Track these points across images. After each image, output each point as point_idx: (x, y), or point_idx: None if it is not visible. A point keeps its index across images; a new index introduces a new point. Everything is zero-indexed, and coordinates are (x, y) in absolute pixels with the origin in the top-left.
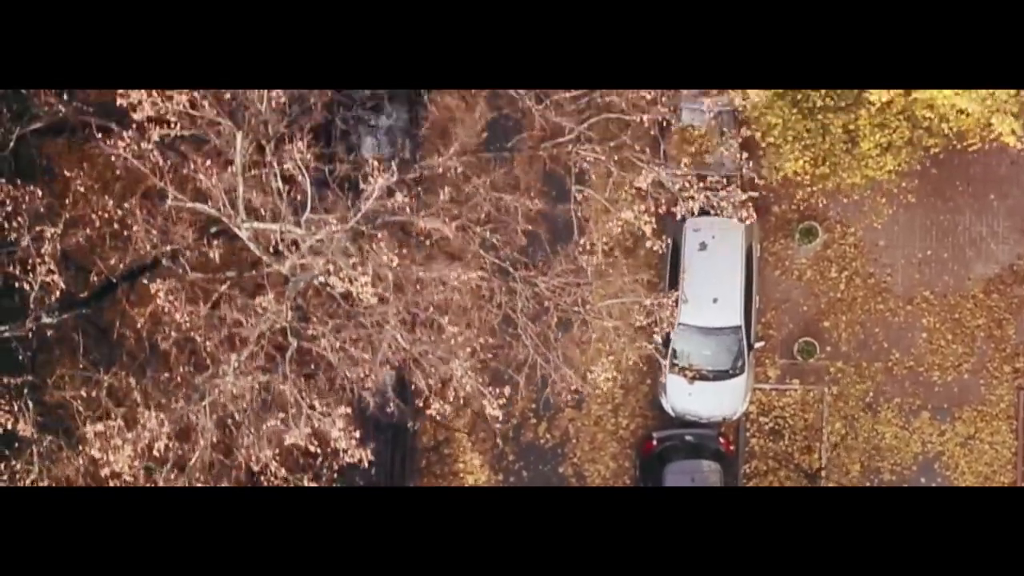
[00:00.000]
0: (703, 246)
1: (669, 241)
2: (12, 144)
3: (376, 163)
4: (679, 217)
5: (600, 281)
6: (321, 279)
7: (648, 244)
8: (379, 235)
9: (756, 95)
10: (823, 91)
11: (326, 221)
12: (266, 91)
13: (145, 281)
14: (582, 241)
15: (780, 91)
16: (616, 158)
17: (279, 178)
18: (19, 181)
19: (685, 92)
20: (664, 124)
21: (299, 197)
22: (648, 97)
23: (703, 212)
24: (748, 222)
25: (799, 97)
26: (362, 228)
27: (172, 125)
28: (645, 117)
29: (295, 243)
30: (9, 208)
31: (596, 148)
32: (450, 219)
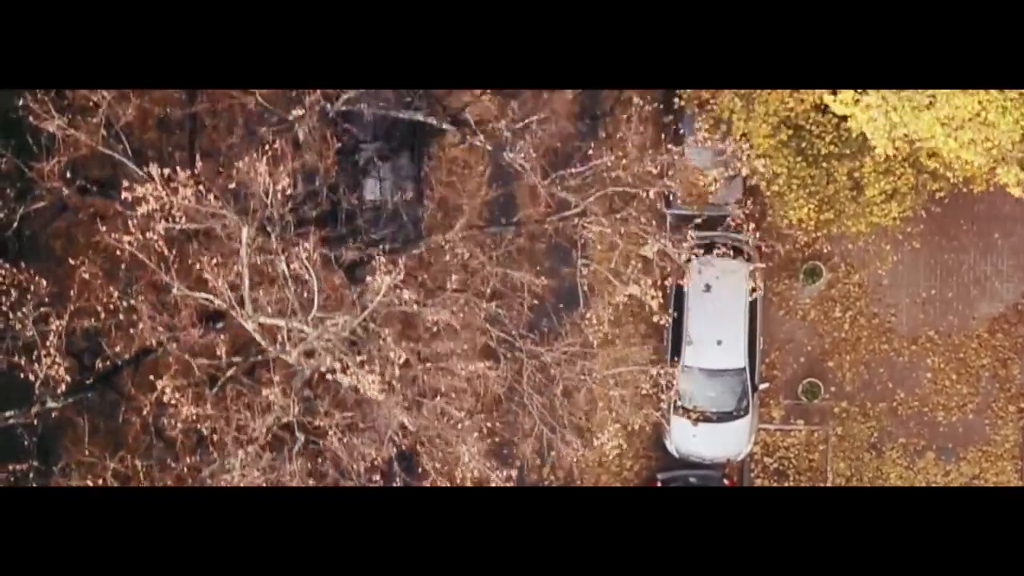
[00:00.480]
0: (707, 287)
1: (674, 313)
2: (16, 224)
3: (383, 259)
4: (686, 289)
5: (606, 351)
6: (329, 376)
7: (655, 319)
8: (385, 331)
9: (761, 164)
10: (828, 139)
11: (333, 321)
12: (271, 183)
13: (152, 377)
14: (588, 315)
15: (784, 139)
16: (622, 231)
17: (287, 274)
18: (23, 264)
19: (690, 138)
20: (669, 197)
21: (306, 295)
22: (654, 171)
23: (708, 251)
24: (755, 296)
25: (803, 145)
26: (368, 324)
27: (177, 220)
28: (651, 191)
29: (302, 337)
30: (14, 297)
31: (602, 220)
32: (456, 307)
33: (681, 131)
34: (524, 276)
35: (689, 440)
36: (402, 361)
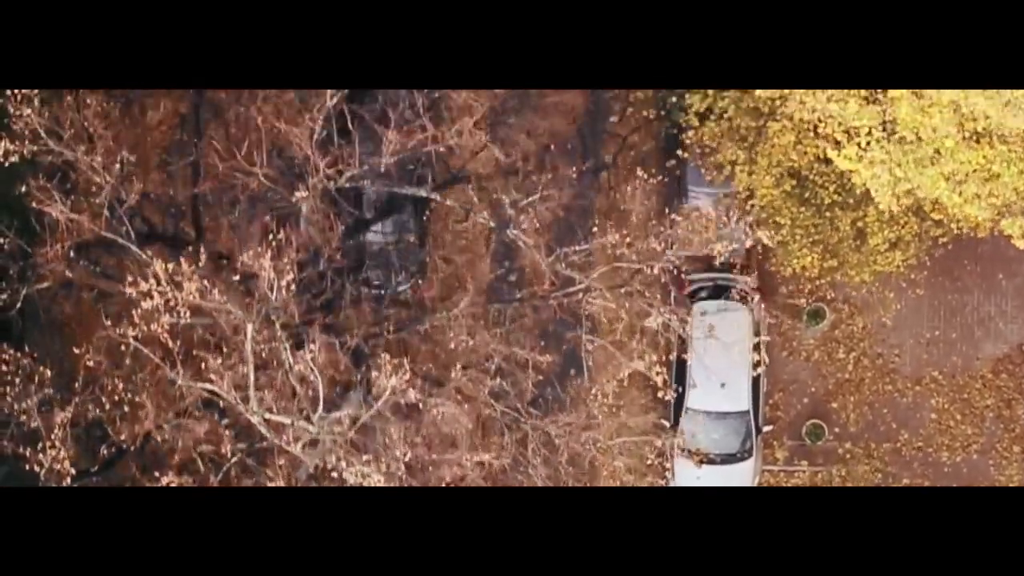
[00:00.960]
0: (711, 330)
1: (678, 387)
2: (20, 304)
3: (387, 357)
4: (689, 363)
5: (611, 421)
6: (335, 474)
7: (660, 394)
8: (391, 429)
9: (766, 235)
10: (831, 188)
11: (338, 416)
12: (276, 278)
13: (157, 473)
14: (594, 391)
15: (789, 190)
16: (627, 305)
17: (291, 363)
18: (27, 347)
19: (691, 176)
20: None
21: (311, 393)
22: (659, 248)
23: (711, 296)
24: (760, 371)
25: (807, 195)
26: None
27: (181, 315)
28: (657, 266)
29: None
30: (18, 386)
31: (606, 294)
32: (461, 396)
33: (685, 194)
34: (529, 354)
35: (693, 482)
36: (407, 458)
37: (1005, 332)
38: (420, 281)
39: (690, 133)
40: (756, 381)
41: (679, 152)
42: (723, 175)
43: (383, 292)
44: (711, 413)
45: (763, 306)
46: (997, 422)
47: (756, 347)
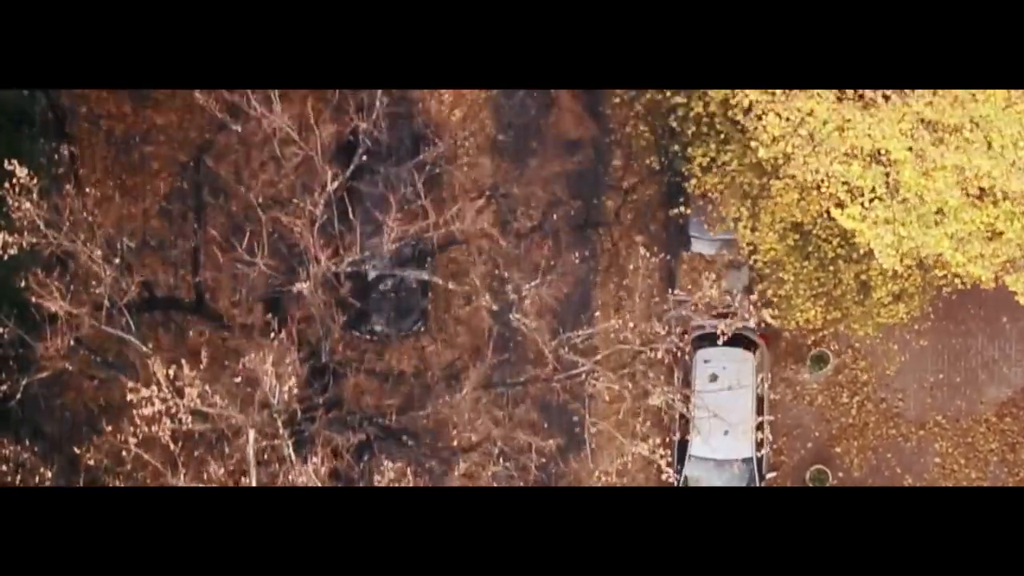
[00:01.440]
0: (714, 377)
1: (679, 467)
2: (19, 395)
3: (390, 464)
4: (689, 450)
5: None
6: None
7: (664, 477)
8: None
9: (769, 314)
10: (835, 242)
11: None
12: (277, 384)
13: None
14: (596, 472)
15: (792, 244)
16: (629, 386)
17: (293, 467)
18: (27, 441)
19: (694, 223)
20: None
21: None
22: (661, 332)
23: (713, 342)
24: (763, 451)
25: (810, 249)
26: None
27: (181, 422)
28: (661, 349)
29: None
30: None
31: (609, 375)
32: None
33: (687, 241)
34: (531, 437)
35: None
36: None
37: (1009, 376)
38: (423, 327)
39: (692, 182)
40: (759, 425)
41: (681, 205)
42: (725, 226)
43: (386, 336)
44: (714, 460)
45: (768, 385)
46: (1001, 466)
47: (760, 426)
